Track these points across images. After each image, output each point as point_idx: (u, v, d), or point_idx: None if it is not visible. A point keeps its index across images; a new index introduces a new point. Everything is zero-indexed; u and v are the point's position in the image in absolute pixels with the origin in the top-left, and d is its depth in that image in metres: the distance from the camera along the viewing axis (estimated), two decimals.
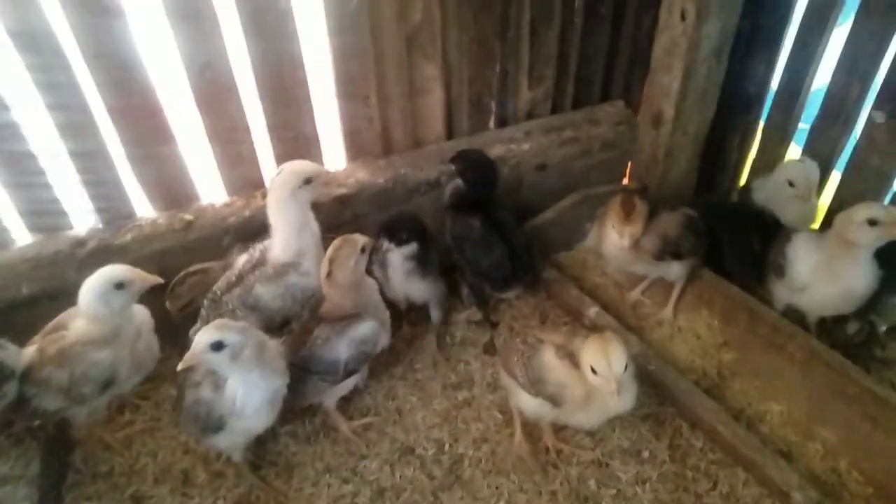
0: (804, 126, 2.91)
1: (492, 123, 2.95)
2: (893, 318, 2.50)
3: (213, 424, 2.00)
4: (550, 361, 2.02)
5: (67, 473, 2.24)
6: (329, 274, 2.11)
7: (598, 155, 3.09)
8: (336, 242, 2.14)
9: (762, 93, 2.96)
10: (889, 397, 2.13)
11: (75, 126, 2.23)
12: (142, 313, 2.17)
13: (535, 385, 2.04)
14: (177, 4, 2.16)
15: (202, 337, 1.85)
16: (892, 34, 2.42)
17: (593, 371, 1.85)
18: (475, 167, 2.57)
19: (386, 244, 2.37)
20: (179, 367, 1.84)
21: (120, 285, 2.02)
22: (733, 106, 2.99)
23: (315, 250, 2.27)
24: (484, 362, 2.61)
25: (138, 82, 2.23)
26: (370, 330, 2.18)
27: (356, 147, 2.75)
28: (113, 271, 2.04)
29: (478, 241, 2.52)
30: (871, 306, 2.38)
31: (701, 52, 2.63)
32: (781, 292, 2.50)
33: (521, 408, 2.20)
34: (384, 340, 2.26)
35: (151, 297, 2.19)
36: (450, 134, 2.88)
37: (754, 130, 3.07)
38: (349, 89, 2.59)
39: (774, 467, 2.04)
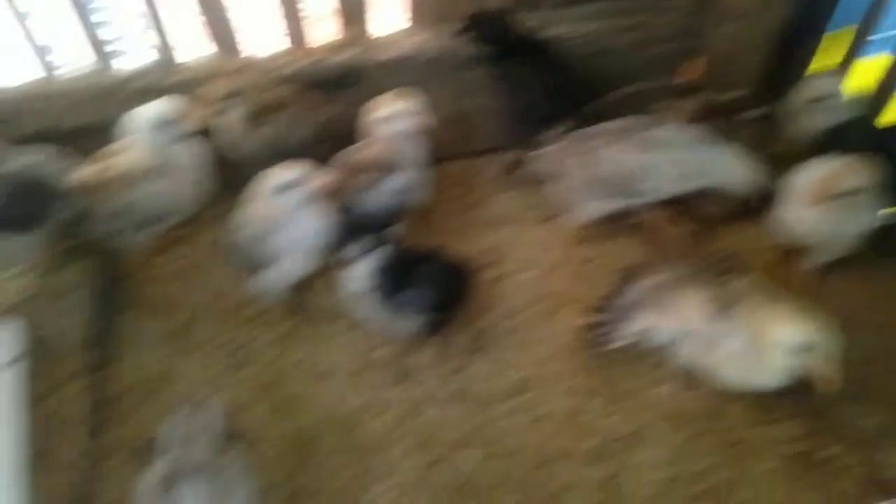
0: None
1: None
2: None
3: (263, 262, 2.07)
4: None
5: (118, 296, 2.37)
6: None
7: (664, 45, 2.94)
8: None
9: None
10: None
11: None
12: (194, 150, 2.19)
13: None
14: None
15: (270, 180, 1.92)
16: None
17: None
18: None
19: None
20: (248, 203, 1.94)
21: (171, 121, 2.06)
22: (809, 7, 2.80)
23: None
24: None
25: None
26: (409, 180, 2.19)
27: (420, 12, 2.65)
28: (166, 106, 2.07)
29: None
30: None
31: None
32: None
33: None
34: (421, 193, 2.28)
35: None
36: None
37: (823, 35, 2.89)
38: None
39: None
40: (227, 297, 2.37)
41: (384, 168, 2.16)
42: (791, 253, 2.38)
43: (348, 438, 2.06)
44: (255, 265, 2.09)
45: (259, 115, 2.27)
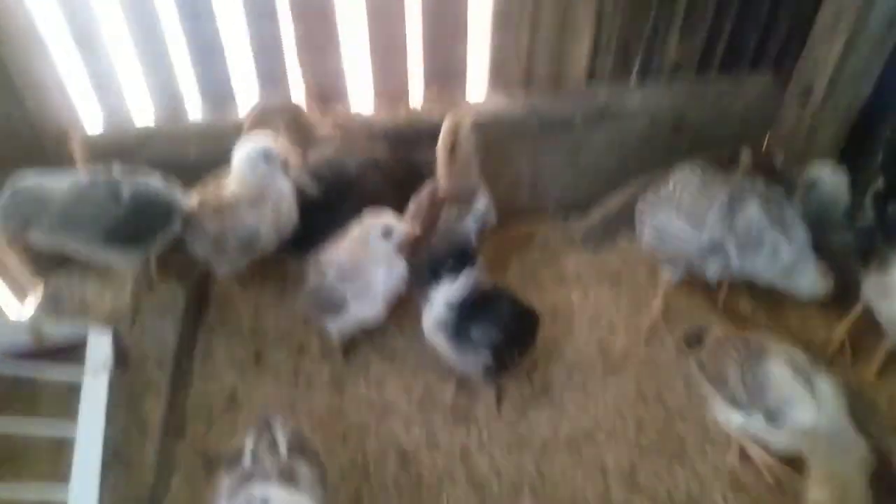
0: None
1: (633, 74, 2.96)
2: None
3: (332, 308, 2.20)
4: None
5: (203, 318, 2.53)
6: (452, 150, 2.24)
7: (735, 124, 3.02)
8: (451, 118, 2.27)
9: None
10: None
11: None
12: (285, 183, 2.32)
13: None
14: None
15: (376, 224, 2.07)
16: None
17: None
18: None
19: None
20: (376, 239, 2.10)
21: (267, 156, 2.24)
22: (887, 89, 2.84)
23: None
24: None
25: None
26: (488, 201, 2.32)
27: (499, 78, 2.85)
28: (262, 143, 2.25)
29: None
30: None
31: (867, 25, 2.55)
32: None
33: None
34: (493, 216, 2.39)
35: None
36: (590, 76, 2.91)
37: None
38: (504, 21, 2.68)
39: None
40: (298, 330, 2.51)
41: (466, 194, 2.31)
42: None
43: (405, 472, 2.10)
44: (330, 308, 2.21)
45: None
